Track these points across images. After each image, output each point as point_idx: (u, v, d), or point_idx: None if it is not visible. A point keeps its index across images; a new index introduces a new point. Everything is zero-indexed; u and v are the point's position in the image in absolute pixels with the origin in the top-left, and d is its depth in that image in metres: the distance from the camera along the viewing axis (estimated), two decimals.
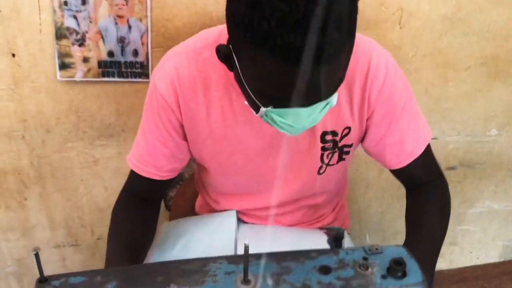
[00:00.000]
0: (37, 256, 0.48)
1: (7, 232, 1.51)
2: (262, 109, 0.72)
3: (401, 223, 0.99)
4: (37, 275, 0.54)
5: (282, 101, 0.68)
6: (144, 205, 1.00)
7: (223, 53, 0.74)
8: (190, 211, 1.32)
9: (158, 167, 0.95)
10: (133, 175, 0.98)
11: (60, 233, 1.54)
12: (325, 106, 0.73)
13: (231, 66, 0.75)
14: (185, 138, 0.94)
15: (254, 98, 0.72)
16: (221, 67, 0.84)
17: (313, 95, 0.68)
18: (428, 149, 0.95)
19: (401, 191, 1.07)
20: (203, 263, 0.55)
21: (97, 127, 1.39)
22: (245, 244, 0.49)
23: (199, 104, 0.89)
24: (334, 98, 0.73)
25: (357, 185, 1.64)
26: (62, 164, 1.43)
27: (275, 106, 0.70)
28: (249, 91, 0.72)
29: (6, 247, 1.55)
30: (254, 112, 0.76)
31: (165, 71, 0.88)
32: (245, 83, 0.72)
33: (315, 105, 0.70)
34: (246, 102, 0.77)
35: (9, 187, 1.45)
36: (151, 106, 0.91)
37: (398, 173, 0.98)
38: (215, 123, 0.91)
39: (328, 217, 1.17)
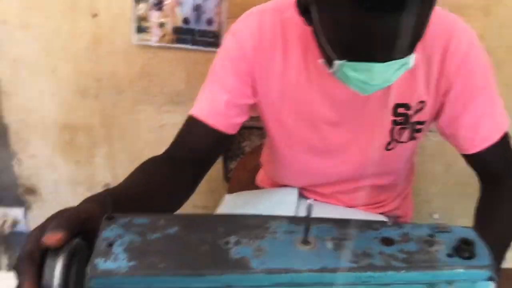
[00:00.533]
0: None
1: (76, 186, 1.58)
2: (336, 63, 0.71)
3: (465, 223, 0.94)
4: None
5: (357, 52, 0.68)
6: (187, 170, 0.90)
7: (303, 4, 0.74)
8: (250, 185, 1.32)
9: (226, 116, 0.91)
10: (191, 126, 0.92)
11: None
12: (401, 66, 0.71)
13: (310, 20, 0.74)
14: (254, 94, 0.93)
15: (329, 50, 0.71)
16: (302, 27, 0.84)
17: (389, 48, 0.67)
18: (506, 138, 0.90)
19: (468, 189, 1.02)
20: (265, 219, 0.55)
21: (166, 92, 1.42)
22: (308, 204, 0.49)
23: (276, 62, 0.88)
24: (411, 59, 0.71)
25: (421, 178, 1.58)
26: (130, 126, 1.47)
27: (350, 59, 0.69)
28: (325, 43, 0.71)
29: (72, 200, 1.62)
30: (328, 68, 0.75)
31: (248, 23, 0.89)
32: (321, 34, 0.71)
33: (390, 62, 0.68)
34: (320, 61, 0.76)
35: (80, 144, 1.51)
36: (227, 56, 0.90)
37: (472, 160, 0.93)
38: (288, 85, 0.90)
39: (390, 204, 1.13)
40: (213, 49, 1.32)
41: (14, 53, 1.38)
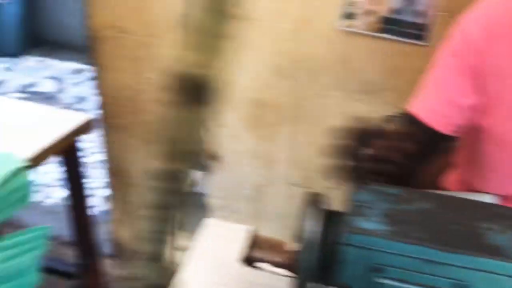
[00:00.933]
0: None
1: (255, 159, 1.67)
2: None
3: None
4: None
5: None
6: None
7: None
8: (432, 187, 1.28)
9: (443, 115, 0.89)
10: (407, 122, 0.92)
11: (297, 173, 1.65)
12: None
13: None
14: (476, 92, 0.89)
15: None
16: None
17: None
18: None
19: None
20: None
21: (360, 81, 1.42)
22: None
23: (509, 58, 0.83)
24: None
25: None
26: (318, 110, 1.51)
27: None
28: None
29: (247, 172, 1.72)
30: None
31: (475, 14, 0.85)
32: None
33: None
34: None
35: (267, 120, 1.59)
36: (450, 49, 0.88)
37: None
38: None
39: None
40: (419, 42, 1.29)
41: None
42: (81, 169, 1.42)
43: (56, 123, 1.31)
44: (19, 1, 4.20)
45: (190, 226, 1.89)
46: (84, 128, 1.33)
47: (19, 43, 4.38)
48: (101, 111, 1.82)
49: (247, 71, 1.54)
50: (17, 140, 1.23)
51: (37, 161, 1.19)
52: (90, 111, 3.54)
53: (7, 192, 1.09)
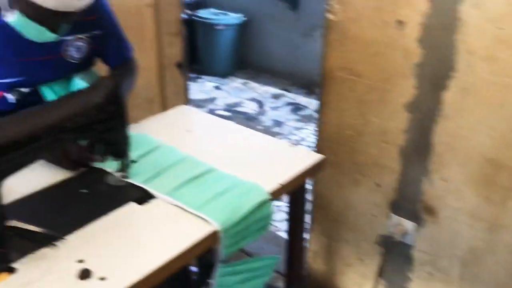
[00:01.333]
0: None
1: (475, 221, 1.56)
2: None
3: None
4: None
5: None
6: None
7: None
8: None
9: None
10: None
11: None
12: None
13: None
14: None
15: None
16: None
17: None
18: None
19: None
20: None
21: None
22: None
23: None
24: None
25: None
26: None
27: None
28: None
29: (464, 232, 1.61)
30: None
31: None
32: None
33: None
34: None
35: (498, 181, 1.47)
36: None
37: None
38: None
39: None
40: None
41: (466, 82, 1.43)
42: (305, 207, 1.48)
43: (293, 161, 1.39)
44: (234, 27, 4.63)
45: (391, 275, 1.84)
46: (317, 168, 1.39)
47: (229, 65, 4.81)
48: (317, 145, 1.89)
49: (486, 128, 1.45)
50: (258, 173, 1.32)
51: (273, 195, 1.27)
52: (286, 135, 3.72)
53: (252, 222, 1.18)
